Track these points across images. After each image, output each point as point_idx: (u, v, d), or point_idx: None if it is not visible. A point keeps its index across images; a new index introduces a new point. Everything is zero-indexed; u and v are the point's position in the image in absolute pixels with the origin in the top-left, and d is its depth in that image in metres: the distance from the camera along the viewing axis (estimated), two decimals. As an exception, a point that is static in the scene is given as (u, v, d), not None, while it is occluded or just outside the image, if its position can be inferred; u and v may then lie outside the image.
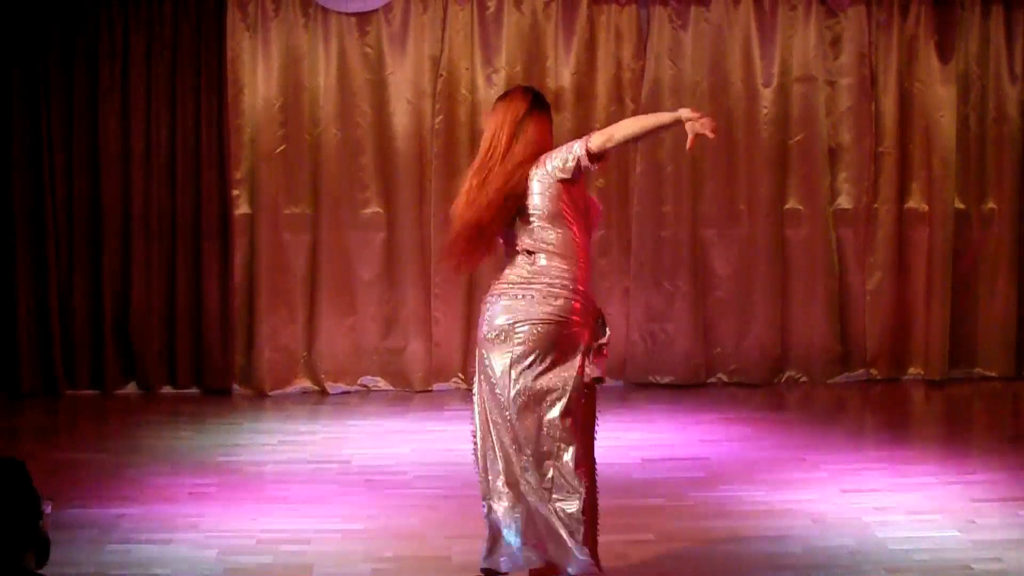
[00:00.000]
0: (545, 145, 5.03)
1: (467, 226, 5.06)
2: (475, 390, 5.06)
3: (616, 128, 4.97)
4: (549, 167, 4.93)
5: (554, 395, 4.90)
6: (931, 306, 9.15)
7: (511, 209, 4.97)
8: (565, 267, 4.96)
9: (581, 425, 4.94)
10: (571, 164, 4.89)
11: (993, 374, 9.29)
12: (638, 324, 9.02)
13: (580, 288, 4.96)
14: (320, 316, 8.80)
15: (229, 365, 8.74)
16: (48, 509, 3.30)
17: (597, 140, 4.91)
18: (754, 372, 9.09)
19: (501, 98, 5.17)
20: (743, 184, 9.02)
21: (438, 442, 7.53)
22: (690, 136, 4.90)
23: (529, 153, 4.98)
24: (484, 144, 5.06)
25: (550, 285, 4.97)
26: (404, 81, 8.75)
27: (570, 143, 4.97)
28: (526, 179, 4.95)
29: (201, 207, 8.65)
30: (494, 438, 4.95)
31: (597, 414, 5.04)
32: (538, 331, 4.93)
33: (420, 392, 8.86)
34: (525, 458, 4.89)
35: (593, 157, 4.89)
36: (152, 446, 7.44)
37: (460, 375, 8.93)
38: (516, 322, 5.00)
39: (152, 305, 8.67)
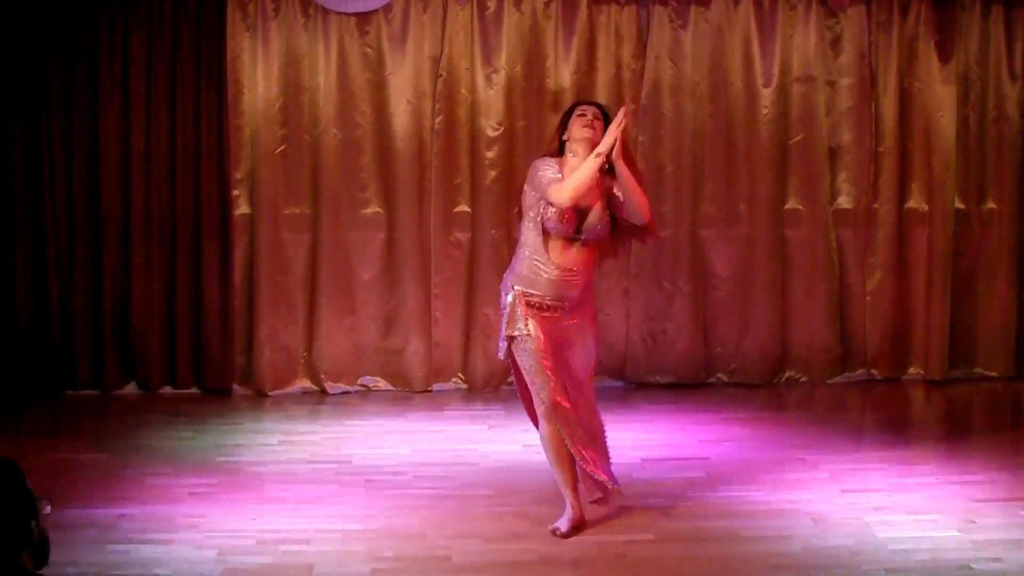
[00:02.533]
0: None
1: None
2: None
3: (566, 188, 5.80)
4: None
5: None
6: (931, 306, 9.15)
7: None
8: None
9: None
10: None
11: (993, 374, 9.29)
12: (638, 324, 9.02)
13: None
14: (320, 316, 8.80)
15: (229, 365, 8.73)
16: (47, 509, 3.29)
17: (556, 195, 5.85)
18: (754, 372, 9.09)
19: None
20: (743, 184, 9.02)
21: (438, 442, 7.54)
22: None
23: None
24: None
25: None
26: (404, 81, 8.75)
27: (555, 174, 5.91)
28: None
29: (201, 207, 8.64)
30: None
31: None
32: None
33: (420, 392, 8.86)
34: None
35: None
36: (152, 446, 7.44)
37: (460, 375, 8.93)
38: None
39: (152, 305, 8.67)
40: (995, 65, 9.16)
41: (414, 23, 8.73)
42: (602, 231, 5.96)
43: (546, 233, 5.89)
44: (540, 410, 5.94)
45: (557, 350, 5.95)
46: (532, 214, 5.94)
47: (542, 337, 5.89)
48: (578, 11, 8.81)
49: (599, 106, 6.15)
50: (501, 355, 6.01)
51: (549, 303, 5.91)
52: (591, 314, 6.12)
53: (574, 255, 5.92)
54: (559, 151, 6.03)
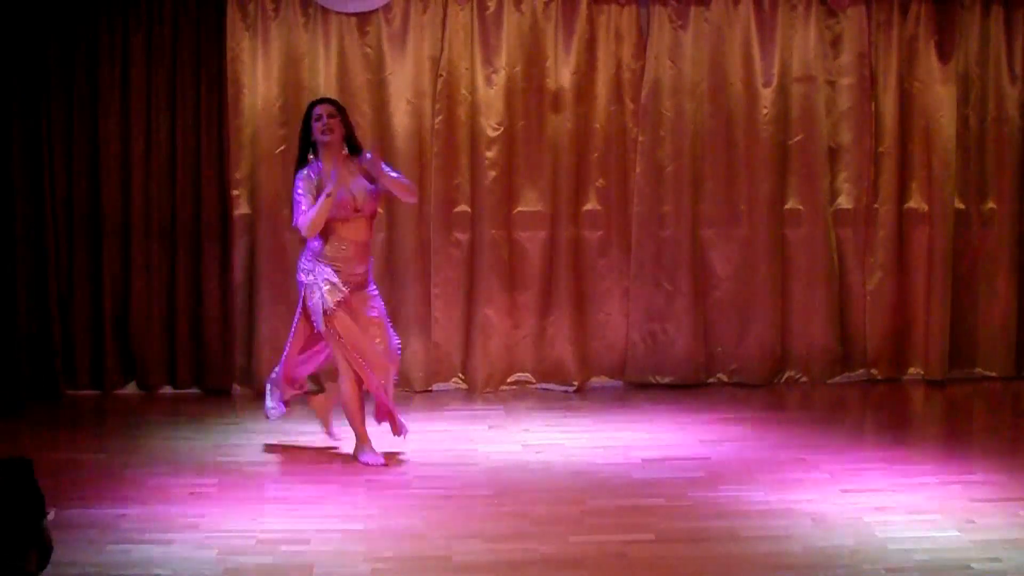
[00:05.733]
0: None
1: None
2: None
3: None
4: None
5: None
6: (931, 306, 9.16)
7: None
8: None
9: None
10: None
11: (993, 374, 9.30)
12: (638, 324, 9.02)
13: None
14: (320, 316, 8.79)
15: (229, 365, 8.74)
16: (52, 515, 3.29)
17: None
18: (754, 372, 9.09)
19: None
20: (743, 184, 9.02)
21: (438, 442, 7.54)
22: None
23: None
24: None
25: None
26: (404, 81, 8.75)
27: (306, 198, 6.89)
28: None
29: (201, 207, 8.65)
30: None
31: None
32: None
33: (420, 392, 8.86)
34: None
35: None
36: (152, 446, 7.44)
37: (460, 375, 8.93)
38: None
39: (152, 305, 8.67)
40: (995, 65, 9.17)
41: (414, 23, 8.74)
42: (372, 204, 7.03)
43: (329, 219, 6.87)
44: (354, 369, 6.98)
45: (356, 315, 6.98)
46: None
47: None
48: (578, 11, 8.81)
49: (332, 102, 7.15)
50: (321, 327, 6.96)
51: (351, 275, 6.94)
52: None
53: (359, 230, 6.98)
54: (311, 150, 7.01)
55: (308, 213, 6.85)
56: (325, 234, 6.93)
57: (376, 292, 7.18)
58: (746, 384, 9.05)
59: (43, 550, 3.24)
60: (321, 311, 6.92)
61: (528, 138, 8.84)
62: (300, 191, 6.91)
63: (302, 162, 7.03)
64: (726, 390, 8.99)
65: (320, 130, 6.95)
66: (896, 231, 9.16)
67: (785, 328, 9.13)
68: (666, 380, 9.03)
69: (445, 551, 5.69)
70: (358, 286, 7.03)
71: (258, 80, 8.65)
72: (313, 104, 7.11)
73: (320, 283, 6.92)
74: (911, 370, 9.28)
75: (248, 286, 8.76)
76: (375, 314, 7.08)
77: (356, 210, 6.92)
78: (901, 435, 8.05)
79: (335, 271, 6.94)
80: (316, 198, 6.84)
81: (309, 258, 7.00)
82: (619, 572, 5.52)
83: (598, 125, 8.88)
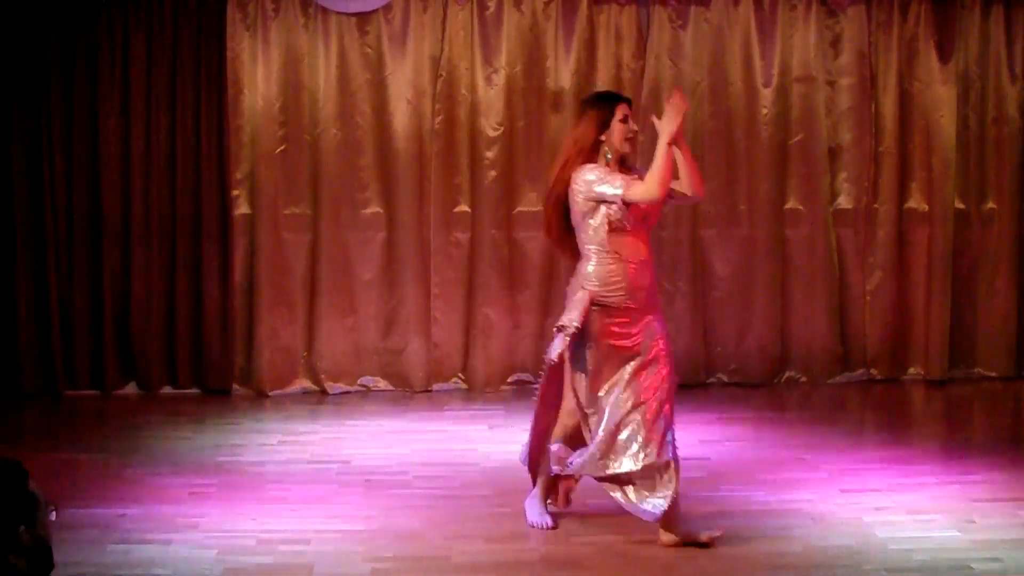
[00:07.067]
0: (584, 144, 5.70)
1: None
2: None
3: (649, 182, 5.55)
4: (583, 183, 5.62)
5: None
6: (931, 306, 9.15)
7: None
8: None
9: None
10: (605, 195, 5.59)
11: (993, 374, 9.29)
12: (638, 324, 9.00)
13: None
14: (320, 316, 8.80)
15: (229, 365, 8.74)
16: (53, 516, 3.28)
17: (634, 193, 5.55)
18: (754, 372, 9.09)
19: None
20: (743, 184, 9.02)
21: (438, 442, 7.54)
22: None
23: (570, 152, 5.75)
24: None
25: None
26: (404, 81, 8.75)
27: (612, 176, 5.58)
28: (566, 183, 5.69)
29: (201, 207, 8.64)
30: None
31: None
32: None
33: (420, 392, 8.86)
34: None
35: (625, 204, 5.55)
36: (152, 446, 7.44)
37: (460, 375, 8.93)
38: None
39: (152, 305, 8.67)
40: (995, 65, 9.16)
41: (414, 23, 8.74)
42: (656, 211, 5.75)
43: (614, 231, 5.59)
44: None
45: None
46: (593, 220, 5.62)
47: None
48: (578, 11, 8.81)
49: (629, 102, 5.86)
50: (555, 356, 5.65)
51: (626, 302, 5.60)
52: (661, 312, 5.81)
53: (642, 245, 5.66)
54: (593, 148, 5.72)
55: (651, 174, 5.51)
56: (600, 255, 5.62)
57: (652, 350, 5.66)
58: (746, 384, 9.05)
59: (34, 554, 3.23)
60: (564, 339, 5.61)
61: (528, 138, 8.84)
62: (602, 174, 5.60)
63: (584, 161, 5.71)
64: (726, 390, 8.99)
65: (627, 135, 5.73)
66: (896, 231, 9.16)
67: (785, 328, 9.13)
68: (666, 380, 9.02)
69: (445, 551, 5.69)
70: (621, 319, 5.60)
71: (258, 80, 8.65)
72: (616, 100, 5.83)
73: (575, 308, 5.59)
74: (911, 370, 9.27)
75: (248, 286, 8.75)
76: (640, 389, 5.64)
77: (643, 218, 5.65)
78: (901, 435, 8.05)
79: (599, 296, 5.59)
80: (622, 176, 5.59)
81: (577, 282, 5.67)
82: (619, 572, 5.52)
83: (598, 125, 8.87)
